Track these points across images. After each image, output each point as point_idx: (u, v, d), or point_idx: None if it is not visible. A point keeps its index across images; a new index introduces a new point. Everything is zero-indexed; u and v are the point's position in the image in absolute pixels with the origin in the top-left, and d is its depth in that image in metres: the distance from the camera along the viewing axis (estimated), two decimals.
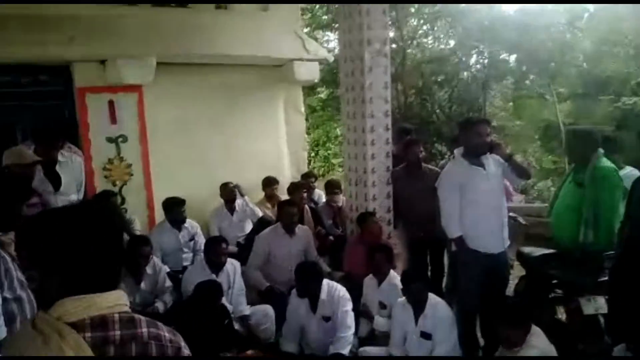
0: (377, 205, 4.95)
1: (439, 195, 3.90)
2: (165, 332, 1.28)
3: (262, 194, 6.08)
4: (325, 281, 3.87)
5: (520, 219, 4.83)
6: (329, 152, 14.21)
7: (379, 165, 4.93)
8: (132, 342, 1.20)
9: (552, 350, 2.92)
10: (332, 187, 5.85)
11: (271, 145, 6.49)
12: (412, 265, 4.98)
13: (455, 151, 3.87)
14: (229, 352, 3.58)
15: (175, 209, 4.91)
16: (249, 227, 5.76)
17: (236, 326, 4.02)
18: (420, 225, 4.82)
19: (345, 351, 3.68)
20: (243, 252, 5.19)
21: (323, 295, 3.81)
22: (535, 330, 3.00)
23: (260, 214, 5.69)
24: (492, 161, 3.76)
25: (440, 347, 3.46)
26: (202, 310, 3.56)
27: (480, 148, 3.67)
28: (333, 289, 3.85)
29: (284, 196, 5.78)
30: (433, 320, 3.52)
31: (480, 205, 3.69)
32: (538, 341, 2.94)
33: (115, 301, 1.21)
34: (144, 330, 1.23)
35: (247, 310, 4.27)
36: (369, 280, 4.20)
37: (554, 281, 3.81)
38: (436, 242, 4.84)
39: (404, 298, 3.67)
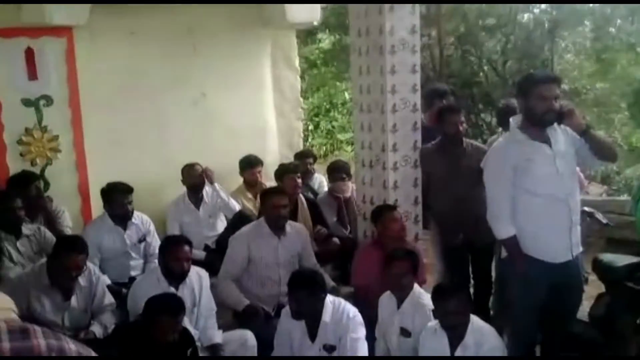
0: (399, 196, 5.04)
1: (485, 181, 3.96)
2: (71, 345, 1.34)
3: (240, 181, 6.16)
4: (329, 298, 3.94)
5: (599, 217, 4.90)
6: (333, 124, 14.26)
7: (404, 141, 5.00)
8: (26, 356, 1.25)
9: None
10: (337, 172, 5.92)
11: (253, 114, 6.56)
12: (448, 277, 5.08)
13: (511, 121, 3.90)
14: None
15: (119, 199, 4.97)
16: (221, 225, 5.85)
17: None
18: (460, 223, 4.91)
19: None
20: (213, 259, 5.29)
21: (326, 316, 3.87)
22: None
23: (238, 207, 5.78)
24: (561, 135, 3.80)
25: None
26: (155, 336, 3.62)
27: (545, 117, 3.71)
28: (339, 309, 3.91)
29: (270, 183, 5.85)
30: (476, 352, 3.58)
31: (542, 197, 3.73)
32: None
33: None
34: (41, 341, 1.28)
35: (218, 337, 4.33)
36: (387, 299, 4.27)
37: None
38: (482, 248, 4.94)
39: (436, 322, 3.74)
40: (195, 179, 5.69)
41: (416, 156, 5.05)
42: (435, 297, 3.71)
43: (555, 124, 3.75)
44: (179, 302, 3.72)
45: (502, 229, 3.83)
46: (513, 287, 3.94)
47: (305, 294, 3.81)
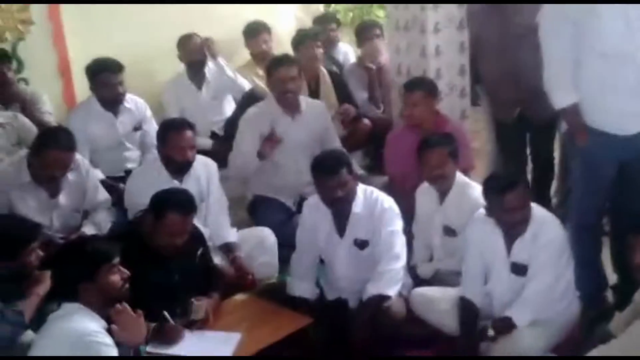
0: (442, 65, 5.01)
1: (541, 38, 3.86)
2: None
3: (247, 54, 6.12)
4: (361, 187, 4.00)
5: None
6: None
7: None
8: None
9: None
10: (367, 30, 5.84)
11: None
12: (502, 162, 5.11)
13: None
14: (206, 297, 3.77)
15: (108, 79, 4.95)
16: (229, 108, 5.88)
17: (216, 260, 4.21)
18: (515, 95, 4.85)
19: (391, 293, 3.85)
20: (221, 147, 5.36)
21: (357, 207, 3.94)
22: None
23: (247, 85, 5.78)
24: None
25: (534, 283, 3.60)
26: (162, 238, 3.69)
27: None
28: (372, 199, 3.98)
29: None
30: (533, 244, 3.64)
31: (608, 55, 3.61)
32: None
33: None
34: None
35: (232, 235, 4.46)
36: (426, 192, 4.34)
37: None
38: (541, 124, 4.92)
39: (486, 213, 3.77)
40: (194, 54, 5.66)
41: (462, 14, 4.96)
42: (487, 192, 3.70)
43: None
44: (190, 198, 3.77)
45: (561, 96, 3.77)
46: (576, 168, 3.95)
47: (334, 174, 3.84)
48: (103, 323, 2.93)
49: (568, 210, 4.58)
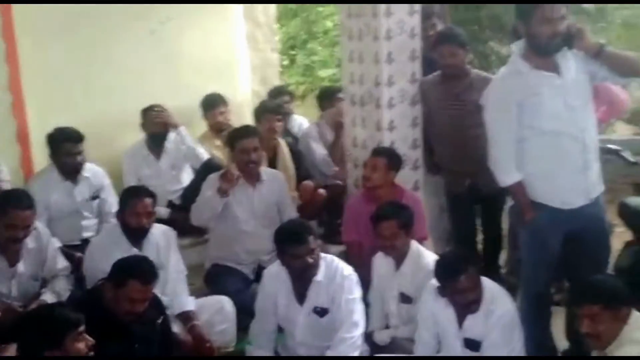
0: (396, 138, 5.16)
1: (485, 120, 4.04)
2: None
3: (203, 125, 6.23)
4: (322, 255, 4.09)
5: (626, 154, 5.01)
6: (312, 58, 14.20)
7: (400, 72, 5.09)
8: None
9: None
10: (331, 95, 6.11)
11: (221, 45, 6.61)
12: (454, 233, 5.26)
13: (513, 47, 3.93)
14: None
15: (68, 148, 5.00)
16: (187, 178, 5.94)
17: (174, 328, 4.22)
18: (466, 169, 5.06)
19: None
20: (178, 217, 5.41)
21: (319, 275, 4.02)
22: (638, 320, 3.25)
23: (206, 155, 5.85)
24: (571, 62, 3.82)
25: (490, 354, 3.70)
26: (122, 306, 3.70)
27: (551, 43, 3.73)
28: (333, 267, 4.07)
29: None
30: (487, 320, 3.73)
31: (551, 134, 3.78)
32: None
33: None
34: None
35: (191, 303, 4.48)
36: (382, 260, 4.44)
37: None
38: (491, 196, 5.09)
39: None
40: (156, 126, 5.70)
41: (415, 90, 5.15)
42: (438, 275, 3.78)
43: (565, 48, 3.76)
44: (151, 266, 3.79)
45: (506, 175, 3.93)
46: (523, 239, 4.06)
47: (298, 246, 3.93)
48: None
49: (518, 279, 4.76)
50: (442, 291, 3.78)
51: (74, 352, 2.98)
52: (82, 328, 3.03)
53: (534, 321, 4.08)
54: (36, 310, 3.77)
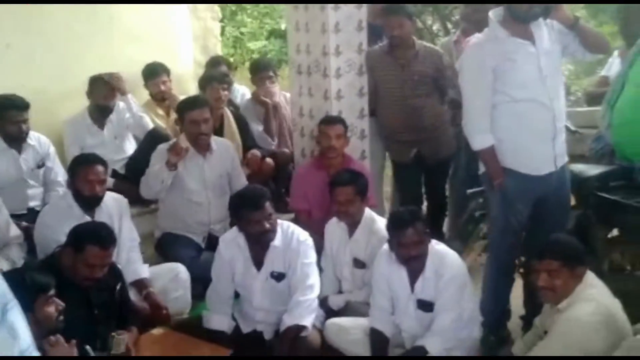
0: (343, 108, 5.24)
1: (460, 84, 4.15)
2: None
3: (145, 95, 6.19)
4: (278, 221, 4.17)
5: (568, 124, 5.23)
6: (241, 30, 14.14)
7: (347, 42, 5.16)
8: None
9: (616, 307, 3.38)
10: (262, 71, 6.08)
11: (161, 14, 6.56)
12: (400, 201, 5.41)
13: (490, 14, 4.03)
14: (124, 331, 3.77)
15: (13, 116, 4.92)
16: (130, 147, 5.90)
17: (130, 296, 4.23)
18: (413, 138, 5.20)
19: (307, 323, 4.02)
20: (123, 186, 5.38)
21: (277, 241, 4.11)
22: (594, 281, 3.45)
23: (150, 124, 5.83)
24: (545, 32, 3.97)
25: (441, 318, 3.85)
26: (81, 272, 3.70)
27: (530, 11, 3.85)
28: (289, 232, 4.16)
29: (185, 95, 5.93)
30: (437, 281, 3.88)
31: (523, 101, 3.91)
32: (596, 294, 3.39)
33: None
34: None
35: (144, 271, 4.51)
36: (335, 227, 4.54)
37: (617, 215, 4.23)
38: (436, 164, 5.28)
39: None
40: (104, 95, 5.60)
41: (362, 60, 5.22)
42: (389, 228, 3.95)
43: (540, 19, 3.90)
44: (109, 231, 3.80)
45: (478, 139, 4.02)
46: (492, 206, 4.18)
47: (256, 212, 4.00)
48: (38, 354, 2.92)
49: (461, 244, 4.95)
50: (391, 244, 3.93)
51: (44, 316, 2.99)
52: (52, 292, 3.04)
53: (498, 285, 4.27)
54: (6, 273, 3.74)
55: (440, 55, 5.25)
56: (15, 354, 0.93)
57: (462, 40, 5.35)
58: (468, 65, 4.04)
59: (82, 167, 4.37)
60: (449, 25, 10.41)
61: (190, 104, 5.02)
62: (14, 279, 3.11)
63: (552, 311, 3.48)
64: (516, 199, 4.04)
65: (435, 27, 11.11)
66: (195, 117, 4.89)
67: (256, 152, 5.66)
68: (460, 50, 5.28)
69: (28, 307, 2.89)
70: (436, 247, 3.98)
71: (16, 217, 4.81)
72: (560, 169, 4.08)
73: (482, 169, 4.14)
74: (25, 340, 0.98)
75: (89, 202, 4.38)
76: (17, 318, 0.97)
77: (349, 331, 4.08)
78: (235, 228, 4.24)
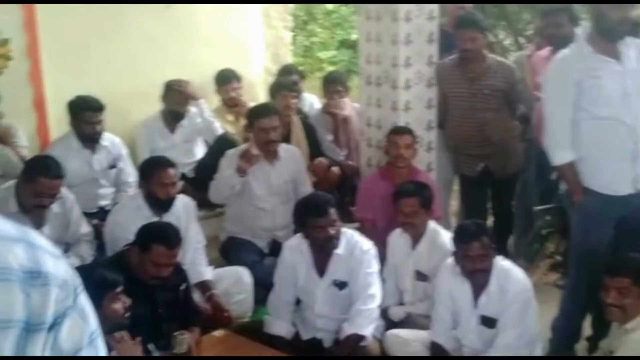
0: (411, 119, 5.22)
1: (543, 98, 4.10)
2: None
3: (216, 100, 6.29)
4: (342, 229, 4.19)
5: None
6: (312, 39, 14.25)
7: (417, 54, 5.15)
8: None
9: None
10: (332, 84, 6.10)
11: (236, 21, 6.67)
12: (465, 215, 5.36)
13: (577, 31, 3.98)
14: (186, 331, 3.83)
15: (89, 117, 5.05)
16: (199, 151, 6.00)
17: (194, 296, 4.31)
18: (480, 152, 5.19)
19: (367, 332, 4.03)
20: (191, 189, 5.47)
21: (340, 249, 4.12)
22: None
23: (220, 129, 5.91)
24: (633, 51, 3.86)
25: (504, 335, 3.81)
26: (147, 271, 3.79)
27: (619, 27, 3.76)
28: (353, 241, 4.17)
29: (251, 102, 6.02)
30: (501, 298, 3.84)
31: (605, 120, 3.82)
32: None
33: None
34: None
35: (209, 273, 4.58)
36: (398, 238, 4.53)
37: None
38: (503, 180, 5.22)
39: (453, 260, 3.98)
40: (177, 105, 5.73)
41: (431, 73, 5.21)
42: (454, 239, 3.94)
43: (629, 38, 3.80)
44: (175, 232, 3.89)
45: (558, 154, 3.94)
46: (574, 225, 4.10)
47: (320, 218, 4.03)
48: None
49: (527, 262, 4.88)
50: (456, 257, 3.90)
51: (111, 312, 3.06)
52: (119, 289, 3.11)
53: (574, 306, 4.18)
54: (76, 269, 3.84)
55: (512, 70, 5.19)
56: (86, 336, 0.97)
57: (534, 55, 5.31)
58: (551, 79, 3.99)
59: (155, 170, 4.46)
60: (521, 40, 10.29)
61: (260, 111, 5.08)
62: (83, 274, 3.16)
63: (620, 332, 3.41)
64: (595, 219, 3.94)
65: (507, 42, 11.00)
66: (265, 124, 4.95)
67: (323, 159, 5.68)
68: (533, 65, 5.25)
69: (95, 303, 3.00)
70: (501, 262, 3.94)
71: (87, 215, 4.95)
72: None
73: (563, 187, 4.10)
74: (93, 322, 1.02)
75: (162, 205, 4.46)
76: (86, 302, 1.00)
77: (409, 343, 4.06)
78: (299, 234, 4.27)
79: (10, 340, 0.90)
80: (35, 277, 0.94)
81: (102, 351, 1.04)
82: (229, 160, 4.97)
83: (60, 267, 0.99)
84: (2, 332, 0.90)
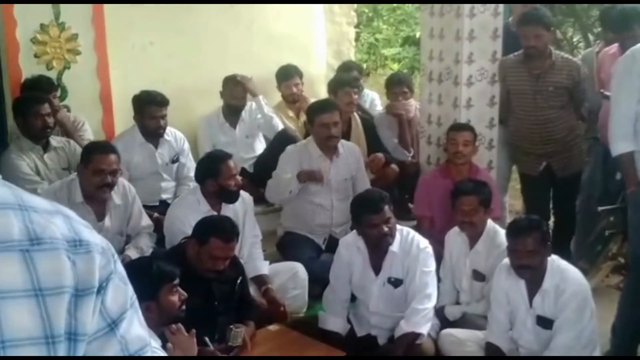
0: (472, 117, 5.16)
1: (611, 88, 4.05)
2: None
3: (277, 96, 6.31)
4: (398, 227, 4.16)
5: None
6: (376, 36, 14.21)
7: (481, 50, 5.09)
8: None
9: None
10: (397, 85, 6.03)
11: (299, 17, 6.70)
12: (527, 212, 5.27)
13: None
14: (242, 324, 3.87)
15: (153, 111, 5.14)
16: (260, 146, 6.05)
17: (250, 290, 4.33)
18: (543, 150, 5.06)
19: (423, 331, 4.01)
20: (250, 184, 5.50)
21: (394, 246, 4.10)
22: None
23: (280, 125, 5.94)
24: None
25: (561, 337, 3.74)
26: (204, 263, 3.83)
27: None
28: (409, 239, 4.15)
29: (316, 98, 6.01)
30: (557, 298, 3.78)
31: None
32: None
33: None
34: None
35: (265, 267, 4.61)
36: (456, 237, 4.48)
37: None
38: (566, 179, 5.09)
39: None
40: (236, 99, 5.80)
41: (494, 69, 5.14)
42: (507, 233, 3.91)
43: None
44: (233, 225, 3.91)
45: (617, 145, 3.91)
46: (630, 221, 4.06)
47: (375, 215, 4.01)
48: (159, 341, 3.03)
49: (588, 264, 4.77)
50: (507, 251, 3.86)
51: (168, 305, 3.10)
52: (176, 281, 3.15)
53: (633, 307, 4.09)
54: (135, 261, 3.93)
55: (578, 67, 5.07)
56: (129, 298, 1.02)
57: (602, 52, 5.19)
58: (619, 71, 3.96)
59: (221, 164, 4.45)
60: (591, 37, 10.07)
61: (321, 107, 5.08)
62: (141, 266, 3.30)
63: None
64: None
65: (575, 39, 10.77)
66: (325, 120, 4.95)
67: (380, 155, 5.65)
68: (600, 62, 5.13)
69: (153, 295, 3.05)
70: (557, 262, 3.88)
71: (149, 208, 5.03)
72: None
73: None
74: (131, 287, 1.07)
75: (230, 196, 4.48)
76: (122, 268, 1.06)
77: (465, 343, 4.03)
78: (355, 231, 4.26)
79: (64, 305, 0.95)
80: (77, 245, 0.99)
81: (140, 312, 1.08)
82: (288, 157, 5.00)
83: (96, 236, 1.03)
84: (56, 297, 0.94)
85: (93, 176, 4.26)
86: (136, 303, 1.07)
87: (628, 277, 4.21)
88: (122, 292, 1.04)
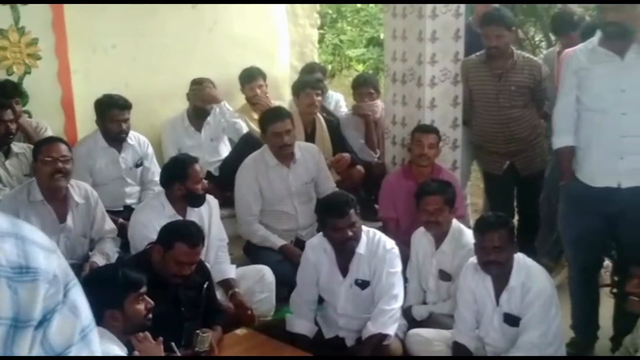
0: (436, 117, 5.19)
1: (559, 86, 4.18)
2: None
3: (241, 98, 6.29)
4: (364, 228, 4.17)
5: None
6: (340, 37, 14.21)
7: (443, 51, 5.11)
8: None
9: None
10: (363, 86, 6.04)
11: (261, 19, 6.67)
12: (492, 211, 5.30)
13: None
14: (209, 329, 3.84)
15: (116, 115, 5.08)
16: (225, 149, 6.02)
17: (217, 294, 4.31)
18: (506, 149, 5.11)
19: (390, 331, 4.01)
20: (216, 187, 5.47)
21: (361, 248, 4.10)
22: None
23: (244, 128, 5.92)
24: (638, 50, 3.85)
25: (527, 334, 3.78)
26: (169, 269, 3.79)
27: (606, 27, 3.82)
28: (375, 240, 4.15)
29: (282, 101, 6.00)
30: (523, 296, 3.82)
31: (595, 111, 3.91)
32: None
33: None
34: None
35: (231, 271, 4.59)
36: (421, 237, 4.50)
37: None
38: (529, 177, 5.15)
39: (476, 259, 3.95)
40: (204, 98, 5.75)
41: (457, 70, 5.17)
42: (474, 230, 3.95)
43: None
44: (198, 230, 3.89)
45: (556, 138, 4.12)
46: (560, 215, 4.27)
47: (340, 219, 4.00)
48: (125, 349, 3.01)
49: (552, 261, 4.84)
50: (475, 248, 3.91)
51: (134, 313, 3.06)
52: (143, 289, 3.12)
53: (579, 298, 4.24)
54: (101, 268, 3.89)
55: (539, 66, 5.11)
56: (78, 331, 0.96)
57: (564, 51, 5.24)
58: (562, 69, 4.18)
59: (189, 168, 4.42)
60: (552, 37, 10.19)
61: (272, 116, 5.01)
62: (107, 274, 3.26)
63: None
64: (581, 209, 4.06)
65: (537, 39, 10.87)
66: (278, 129, 4.90)
67: (345, 154, 5.64)
68: (562, 61, 5.18)
69: (118, 303, 3.02)
70: (524, 259, 3.93)
71: (113, 214, 4.99)
72: (632, 191, 3.92)
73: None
74: (86, 317, 1.01)
75: (196, 200, 4.46)
76: (79, 296, 0.99)
77: (432, 343, 4.04)
78: (321, 233, 4.25)
79: None
80: (23, 272, 0.93)
81: (95, 345, 1.03)
82: (244, 176, 5.03)
83: (52, 262, 0.97)
84: None
85: (44, 166, 4.22)
86: (91, 335, 1.01)
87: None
88: (69, 325, 0.97)
